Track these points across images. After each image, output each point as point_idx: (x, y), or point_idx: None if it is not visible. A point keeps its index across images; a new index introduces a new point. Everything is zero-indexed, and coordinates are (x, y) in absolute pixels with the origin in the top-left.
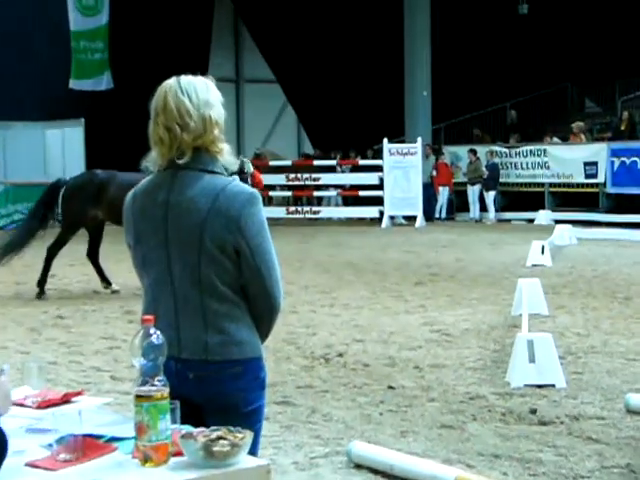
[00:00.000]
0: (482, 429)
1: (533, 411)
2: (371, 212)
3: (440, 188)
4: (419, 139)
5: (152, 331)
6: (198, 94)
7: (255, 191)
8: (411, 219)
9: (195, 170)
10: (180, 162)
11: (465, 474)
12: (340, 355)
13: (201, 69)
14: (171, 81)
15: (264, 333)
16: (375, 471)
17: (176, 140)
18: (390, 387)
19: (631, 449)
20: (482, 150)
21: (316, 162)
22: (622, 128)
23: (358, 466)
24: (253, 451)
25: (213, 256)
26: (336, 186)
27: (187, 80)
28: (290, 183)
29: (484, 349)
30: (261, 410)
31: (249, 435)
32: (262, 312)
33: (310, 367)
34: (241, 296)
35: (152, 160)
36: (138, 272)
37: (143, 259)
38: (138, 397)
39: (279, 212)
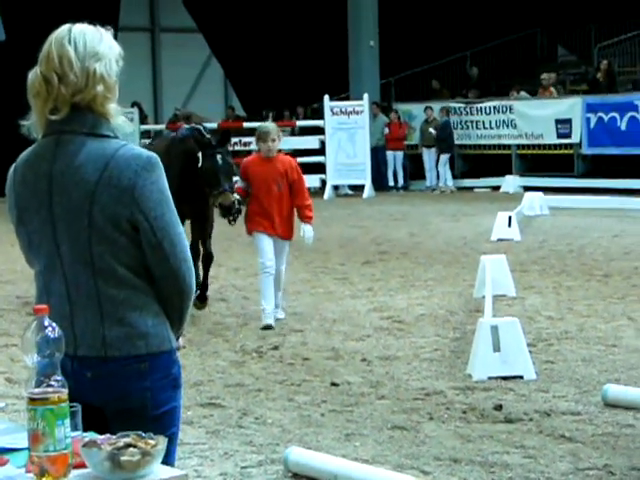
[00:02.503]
0: (439, 430)
1: (498, 407)
2: (312, 181)
3: (390, 152)
4: (366, 96)
5: (47, 323)
6: (87, 44)
7: (154, 155)
8: (358, 189)
9: (80, 134)
10: (53, 118)
11: None
12: (275, 348)
13: (110, 16)
14: (63, 28)
15: (176, 322)
16: None
17: (52, 92)
18: (333, 384)
19: (609, 448)
20: (438, 107)
21: (246, 124)
22: (599, 79)
23: (296, 476)
24: (169, 461)
25: (105, 233)
26: None
27: (80, 28)
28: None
29: (442, 338)
30: (175, 413)
31: (163, 442)
32: (170, 297)
33: (241, 363)
34: (145, 279)
35: (33, 123)
36: (26, 256)
37: (29, 241)
38: (31, 400)
39: None
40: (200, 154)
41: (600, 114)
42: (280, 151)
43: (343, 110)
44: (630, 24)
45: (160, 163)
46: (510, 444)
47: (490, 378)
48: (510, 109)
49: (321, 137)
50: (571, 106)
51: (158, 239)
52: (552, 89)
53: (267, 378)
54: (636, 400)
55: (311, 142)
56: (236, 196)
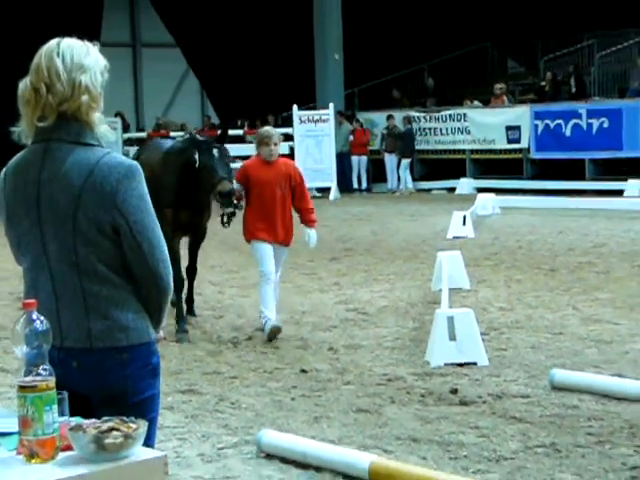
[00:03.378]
0: (400, 412)
1: (454, 391)
2: None
3: (355, 157)
4: (331, 105)
5: (35, 317)
6: (73, 57)
7: (134, 163)
8: (325, 191)
9: (67, 142)
10: (41, 125)
11: (381, 460)
12: (249, 339)
13: (93, 33)
14: (52, 42)
15: (155, 316)
16: (287, 460)
17: (41, 101)
18: (303, 371)
19: (556, 427)
20: (400, 115)
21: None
22: (545, 89)
23: (269, 456)
24: (150, 443)
25: (89, 236)
26: (243, 157)
27: (67, 42)
28: None
29: (402, 327)
30: (155, 399)
31: (143, 425)
32: (149, 294)
33: (217, 352)
34: (125, 277)
35: (22, 130)
36: (15, 255)
37: (18, 242)
38: (21, 388)
39: None
40: (197, 154)
41: (546, 121)
42: (250, 158)
43: (310, 119)
44: (572, 39)
45: (140, 171)
46: (465, 425)
47: (446, 364)
48: (464, 117)
49: (290, 144)
50: (520, 114)
51: (138, 241)
52: (505, 98)
53: (241, 366)
54: (580, 383)
55: (282, 148)
56: (235, 184)
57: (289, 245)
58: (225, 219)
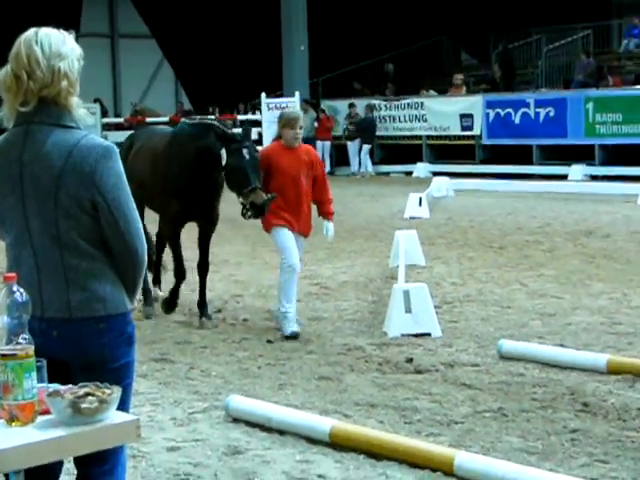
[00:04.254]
0: (359, 379)
1: (409, 360)
2: None
3: (319, 142)
4: (297, 93)
5: (15, 289)
6: (52, 45)
7: (111, 144)
8: None
9: (47, 124)
10: (23, 110)
11: (341, 424)
12: (219, 311)
13: (73, 24)
14: (31, 31)
15: (131, 288)
16: (253, 424)
17: (22, 87)
18: (269, 341)
19: (503, 394)
20: (361, 104)
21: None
22: (497, 80)
23: (236, 420)
24: (124, 408)
25: (70, 212)
26: None
27: (45, 31)
28: None
29: (362, 301)
30: (129, 366)
31: (117, 391)
32: (125, 267)
33: (189, 323)
34: (103, 252)
35: (4, 114)
36: None
37: (3, 218)
38: (2, 356)
39: None
40: (223, 150)
41: (497, 110)
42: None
43: (278, 106)
44: (521, 33)
45: (117, 151)
46: (419, 391)
47: (403, 335)
48: (421, 106)
49: (259, 129)
50: (473, 103)
51: (115, 217)
52: (464, 88)
53: (211, 337)
54: (526, 353)
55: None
56: (268, 195)
57: (308, 236)
58: (249, 213)
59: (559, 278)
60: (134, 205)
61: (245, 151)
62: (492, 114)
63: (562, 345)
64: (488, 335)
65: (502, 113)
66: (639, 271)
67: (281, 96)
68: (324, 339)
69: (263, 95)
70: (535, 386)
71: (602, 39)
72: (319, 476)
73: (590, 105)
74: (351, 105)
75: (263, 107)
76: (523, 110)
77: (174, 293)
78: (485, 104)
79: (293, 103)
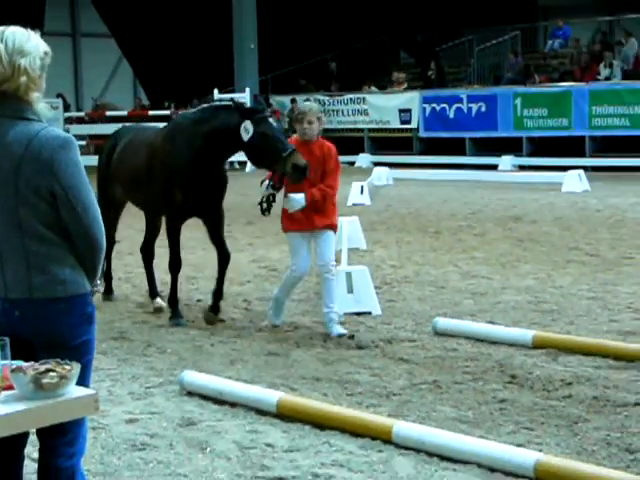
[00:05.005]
0: (305, 355)
1: (351, 337)
2: None
3: None
4: (247, 89)
5: None
6: (15, 42)
7: (69, 136)
8: (243, 164)
9: (8, 117)
10: None
11: (287, 396)
12: (161, 292)
13: (36, 23)
14: None
15: (90, 271)
16: (206, 397)
17: None
18: (221, 320)
19: (437, 367)
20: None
21: (151, 112)
22: (432, 77)
23: (190, 393)
24: (85, 383)
25: (29, 200)
26: None
27: (12, 29)
28: None
29: (307, 282)
30: (89, 344)
31: (77, 367)
32: (84, 251)
33: (146, 304)
34: (62, 237)
35: None
36: None
37: None
38: None
39: None
40: (245, 125)
41: (433, 105)
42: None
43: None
44: (455, 34)
45: (75, 142)
46: (360, 366)
47: (345, 314)
48: (363, 101)
49: None
50: (411, 99)
51: (72, 204)
52: (405, 84)
53: (167, 316)
54: (459, 329)
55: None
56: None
57: (331, 228)
58: (265, 205)
59: (489, 260)
60: (92, 193)
61: (271, 119)
62: (428, 109)
63: (492, 322)
64: (424, 313)
65: (437, 108)
66: (563, 253)
67: (232, 92)
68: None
69: (215, 91)
70: (467, 360)
71: (529, 40)
72: (267, 445)
73: (518, 101)
74: (293, 100)
75: (216, 102)
76: (457, 105)
77: (173, 289)
78: (422, 100)
79: (243, 98)
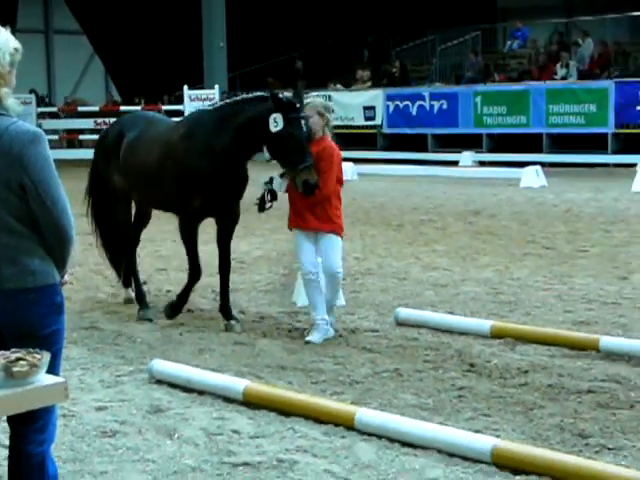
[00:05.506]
0: (271, 344)
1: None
2: None
3: None
4: (216, 86)
5: None
6: None
7: (39, 130)
8: None
9: None
10: None
11: (253, 384)
12: (144, 283)
13: (9, 20)
14: None
15: (59, 262)
16: (174, 385)
17: None
18: (189, 310)
19: (399, 356)
20: None
21: (122, 107)
22: (396, 75)
23: (159, 381)
24: (55, 371)
25: (0, 194)
26: None
27: None
28: (98, 127)
29: (274, 274)
30: (59, 333)
31: (47, 356)
32: (53, 243)
33: (116, 295)
34: (32, 229)
35: None
36: None
37: None
38: None
39: (89, 153)
40: (275, 117)
41: (397, 102)
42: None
43: (199, 97)
44: (418, 34)
45: (45, 137)
46: (324, 355)
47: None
48: (329, 98)
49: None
50: (375, 96)
51: (42, 198)
52: (369, 82)
53: (137, 306)
54: (420, 319)
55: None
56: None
57: (337, 233)
58: (267, 205)
59: (450, 253)
60: (61, 186)
61: (303, 122)
62: (392, 106)
63: (452, 312)
64: (387, 304)
65: (401, 105)
66: (520, 247)
67: (202, 88)
68: (240, 308)
69: (185, 87)
70: (427, 349)
71: (489, 40)
72: (233, 431)
73: (478, 99)
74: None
75: (185, 98)
76: (419, 103)
77: (183, 296)
78: (385, 97)
79: (213, 95)
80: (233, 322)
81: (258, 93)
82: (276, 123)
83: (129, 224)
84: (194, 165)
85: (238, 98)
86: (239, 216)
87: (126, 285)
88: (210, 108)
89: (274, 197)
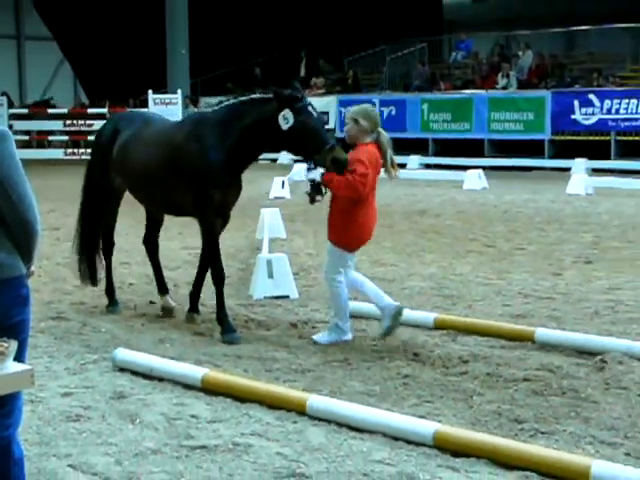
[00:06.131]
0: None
1: (270, 318)
2: None
3: None
4: (179, 91)
5: None
6: None
7: (6, 129)
8: None
9: None
10: None
11: (211, 372)
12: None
13: None
14: None
15: (25, 255)
16: (137, 373)
17: None
18: (151, 302)
19: (348, 346)
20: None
21: (90, 110)
22: (348, 83)
23: (122, 369)
24: (21, 359)
25: None
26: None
27: None
28: (67, 129)
29: (232, 268)
30: (25, 323)
31: (14, 344)
32: (19, 236)
33: (82, 287)
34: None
35: None
36: None
37: None
38: None
39: (58, 153)
40: (284, 114)
41: (349, 108)
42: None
43: (163, 101)
44: (369, 44)
45: (11, 135)
46: (279, 344)
47: (265, 297)
48: None
49: None
50: (329, 102)
51: (8, 194)
52: (324, 89)
53: (101, 298)
54: (368, 312)
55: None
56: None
57: (334, 243)
58: (318, 197)
59: (396, 249)
60: (27, 183)
61: (310, 108)
62: (344, 111)
63: None
64: None
65: None
66: (463, 244)
67: (165, 93)
68: (199, 301)
69: (150, 91)
70: (374, 339)
71: (435, 51)
72: (192, 416)
73: (425, 106)
74: (219, 103)
75: (150, 102)
76: None
77: (221, 304)
78: (339, 103)
79: (176, 99)
80: (196, 315)
81: (256, 95)
82: (286, 120)
83: (111, 230)
84: (210, 162)
85: (242, 99)
86: (229, 219)
87: (162, 292)
88: (210, 110)
89: (319, 191)
